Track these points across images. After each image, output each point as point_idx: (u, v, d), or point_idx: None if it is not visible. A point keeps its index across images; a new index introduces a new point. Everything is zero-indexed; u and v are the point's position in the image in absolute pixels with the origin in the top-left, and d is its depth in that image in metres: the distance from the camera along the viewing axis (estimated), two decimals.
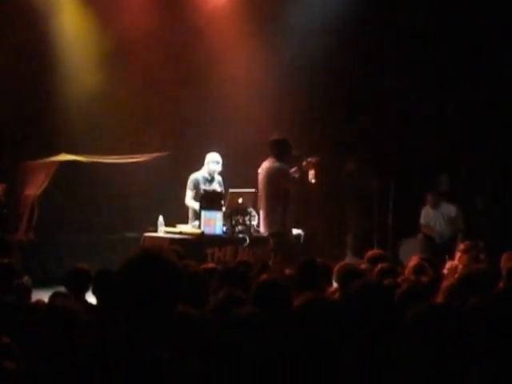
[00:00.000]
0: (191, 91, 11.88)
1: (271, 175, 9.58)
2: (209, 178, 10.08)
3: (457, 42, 12.20)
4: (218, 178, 10.20)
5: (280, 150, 9.58)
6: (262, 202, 9.72)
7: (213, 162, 10.06)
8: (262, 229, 9.78)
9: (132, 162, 11.33)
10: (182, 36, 11.85)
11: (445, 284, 5.56)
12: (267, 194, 9.62)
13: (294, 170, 9.67)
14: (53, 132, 11.02)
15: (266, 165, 9.68)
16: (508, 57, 12.06)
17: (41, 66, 10.97)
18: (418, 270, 6.42)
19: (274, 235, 9.61)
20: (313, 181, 9.67)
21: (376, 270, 6.36)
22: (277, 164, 9.58)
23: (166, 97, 11.71)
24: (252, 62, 12.02)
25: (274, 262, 9.07)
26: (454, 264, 7.08)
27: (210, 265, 6.68)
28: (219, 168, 10.10)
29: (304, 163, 9.68)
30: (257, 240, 9.77)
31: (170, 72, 11.73)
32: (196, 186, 10.01)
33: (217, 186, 10.07)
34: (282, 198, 9.60)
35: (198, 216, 9.78)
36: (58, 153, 10.88)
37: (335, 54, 12.09)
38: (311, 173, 9.66)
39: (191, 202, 10.02)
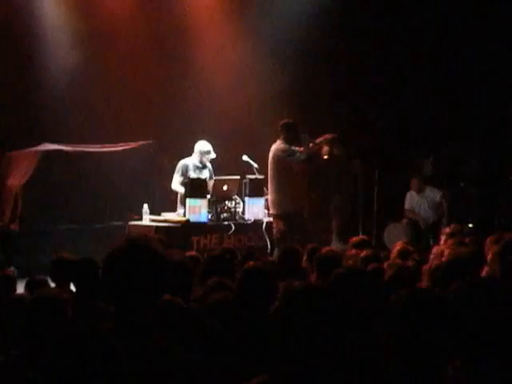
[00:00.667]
0: (176, 80, 11.83)
1: (275, 156, 9.71)
2: (200, 165, 10.06)
3: (442, 28, 12.24)
4: (209, 165, 10.19)
5: (288, 133, 9.73)
6: (269, 185, 9.84)
7: (205, 151, 10.04)
8: (270, 211, 9.87)
9: (116, 151, 11.30)
10: (165, 23, 11.80)
11: (426, 268, 5.58)
12: (272, 175, 9.76)
13: (301, 149, 9.71)
14: (35, 121, 10.95)
15: (272, 147, 9.80)
16: (491, 46, 12.11)
17: (22, 53, 10.89)
18: (403, 254, 6.45)
19: (282, 217, 9.68)
20: (325, 157, 9.95)
21: (360, 256, 6.39)
22: (281, 145, 9.71)
23: (151, 85, 11.66)
24: (235, 49, 11.97)
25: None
26: (440, 248, 7.11)
27: (193, 253, 6.69)
28: (213, 155, 10.09)
29: (320, 139, 9.90)
30: (242, 227, 9.80)
31: (153, 61, 11.68)
32: (184, 173, 9.99)
33: (207, 175, 10.04)
34: (288, 178, 9.71)
35: (184, 203, 9.81)
36: (40, 142, 10.84)
37: (316, 39, 12.07)
38: (325, 149, 9.91)
39: (178, 187, 10.01)
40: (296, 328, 3.58)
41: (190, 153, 10.14)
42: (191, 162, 10.06)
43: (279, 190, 9.71)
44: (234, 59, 11.96)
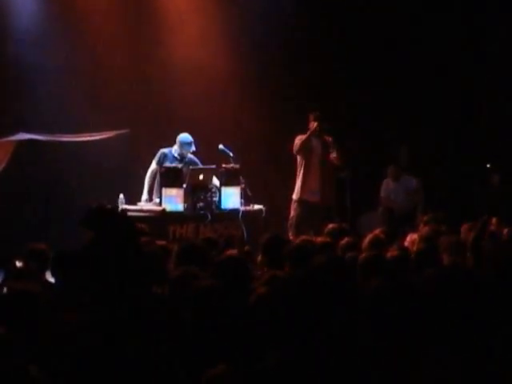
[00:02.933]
0: (154, 67, 11.75)
1: None
2: (178, 157, 10.06)
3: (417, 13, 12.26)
4: (189, 157, 10.15)
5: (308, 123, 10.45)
6: None
7: (187, 142, 10.03)
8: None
9: (92, 140, 11.23)
10: (139, 6, 11.70)
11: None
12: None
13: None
14: (9, 111, 10.88)
15: None
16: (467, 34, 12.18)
17: None
18: (375, 243, 6.44)
19: (297, 203, 10.39)
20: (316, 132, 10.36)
21: (340, 244, 6.38)
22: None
23: (125, 73, 11.56)
24: (212, 35, 11.88)
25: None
26: (414, 237, 7.14)
27: (163, 243, 6.60)
28: (193, 148, 10.09)
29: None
30: (218, 216, 9.80)
31: (128, 50, 11.59)
32: (161, 162, 9.99)
33: (185, 167, 10.02)
34: (307, 166, 10.37)
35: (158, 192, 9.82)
36: (15, 132, 10.76)
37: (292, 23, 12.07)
38: (314, 124, 10.33)
39: (147, 176, 10.06)
40: (280, 315, 3.59)
41: (165, 142, 10.16)
42: (171, 152, 10.07)
43: (299, 177, 10.37)
44: (213, 45, 11.86)
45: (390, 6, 12.15)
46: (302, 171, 10.37)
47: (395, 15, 12.19)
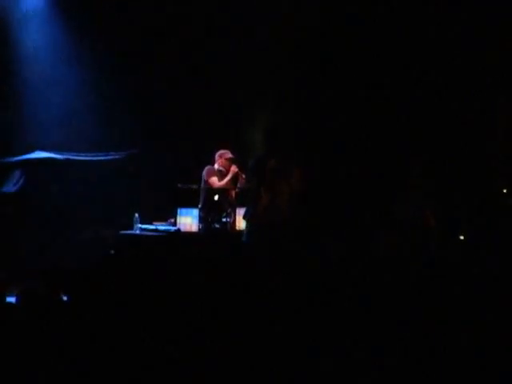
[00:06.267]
0: (172, 84, 11.78)
1: None
2: (224, 171, 10.11)
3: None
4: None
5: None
6: None
7: (224, 154, 10.14)
8: None
9: (107, 159, 11.29)
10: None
11: None
12: None
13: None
14: (26, 129, 10.96)
15: None
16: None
17: (6, 57, 10.92)
18: None
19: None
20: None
21: None
22: None
23: (141, 93, 11.60)
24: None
25: None
26: None
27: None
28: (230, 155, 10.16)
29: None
30: (233, 236, 9.79)
31: (146, 66, 11.62)
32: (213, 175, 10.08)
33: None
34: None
35: None
36: (32, 150, 10.84)
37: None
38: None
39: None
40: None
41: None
42: (215, 168, 10.17)
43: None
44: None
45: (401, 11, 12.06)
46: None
47: (404, 17, 12.08)
